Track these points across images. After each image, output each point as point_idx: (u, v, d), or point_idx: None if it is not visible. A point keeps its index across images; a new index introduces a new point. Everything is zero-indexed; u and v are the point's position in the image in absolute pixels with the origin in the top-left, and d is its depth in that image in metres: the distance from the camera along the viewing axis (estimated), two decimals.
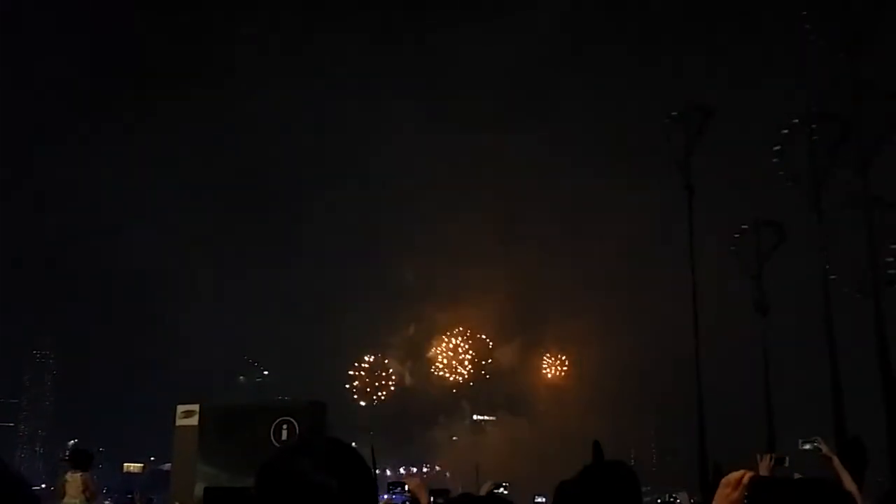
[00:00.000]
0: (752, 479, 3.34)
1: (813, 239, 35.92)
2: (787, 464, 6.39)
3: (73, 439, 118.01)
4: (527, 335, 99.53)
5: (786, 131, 38.26)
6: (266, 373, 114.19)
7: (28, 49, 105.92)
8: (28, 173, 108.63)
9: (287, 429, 14.60)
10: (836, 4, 35.04)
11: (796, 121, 37.79)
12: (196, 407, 15.50)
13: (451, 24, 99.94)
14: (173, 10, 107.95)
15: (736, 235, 43.36)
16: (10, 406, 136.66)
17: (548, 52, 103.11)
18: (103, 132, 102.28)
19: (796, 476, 3.59)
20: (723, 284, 54.40)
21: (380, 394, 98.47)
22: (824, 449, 6.87)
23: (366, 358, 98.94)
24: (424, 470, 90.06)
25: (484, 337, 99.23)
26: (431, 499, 5.05)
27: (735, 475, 3.43)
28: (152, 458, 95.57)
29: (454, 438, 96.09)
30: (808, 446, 6.88)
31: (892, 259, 33.76)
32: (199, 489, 14.69)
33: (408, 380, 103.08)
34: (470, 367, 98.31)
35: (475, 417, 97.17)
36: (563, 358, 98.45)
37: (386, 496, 11.00)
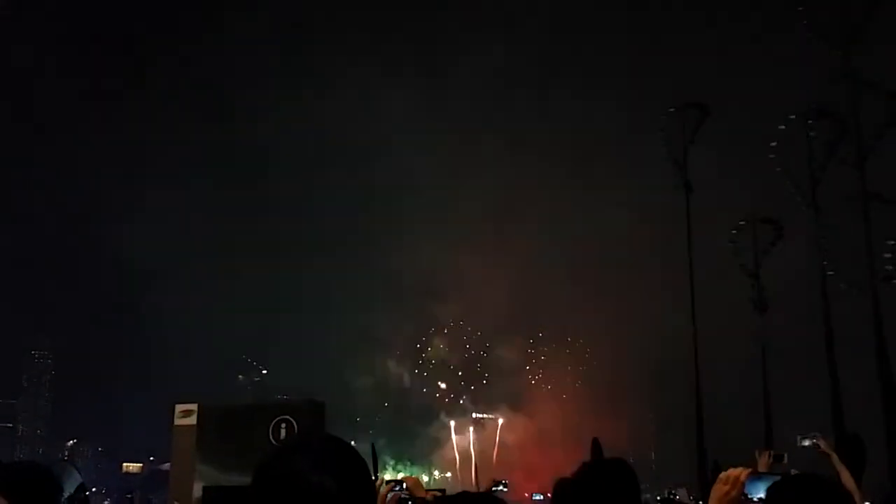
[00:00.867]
0: (748, 476, 3.35)
1: (811, 235, 35.96)
2: (786, 460, 6.40)
3: (72, 439, 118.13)
4: (526, 334, 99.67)
5: (783, 128, 38.27)
6: (265, 372, 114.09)
7: (27, 48, 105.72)
8: (26, 172, 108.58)
9: (286, 428, 14.59)
10: (833, 2, 35.06)
11: (794, 117, 37.80)
12: (195, 406, 15.48)
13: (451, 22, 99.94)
14: (173, 7, 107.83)
15: (734, 232, 43.34)
16: (8, 406, 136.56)
17: (544, 48, 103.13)
18: (100, 132, 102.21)
19: (793, 472, 3.60)
20: (721, 281, 54.39)
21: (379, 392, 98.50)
22: (822, 446, 6.87)
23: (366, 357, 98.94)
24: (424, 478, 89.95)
25: (482, 335, 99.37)
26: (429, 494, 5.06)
27: (732, 472, 3.43)
28: (151, 458, 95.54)
29: (453, 436, 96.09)
30: (806, 443, 6.88)
31: (889, 255, 33.76)
32: (197, 489, 14.68)
33: (407, 378, 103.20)
34: (470, 365, 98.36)
35: (475, 415, 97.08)
36: (564, 356, 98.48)
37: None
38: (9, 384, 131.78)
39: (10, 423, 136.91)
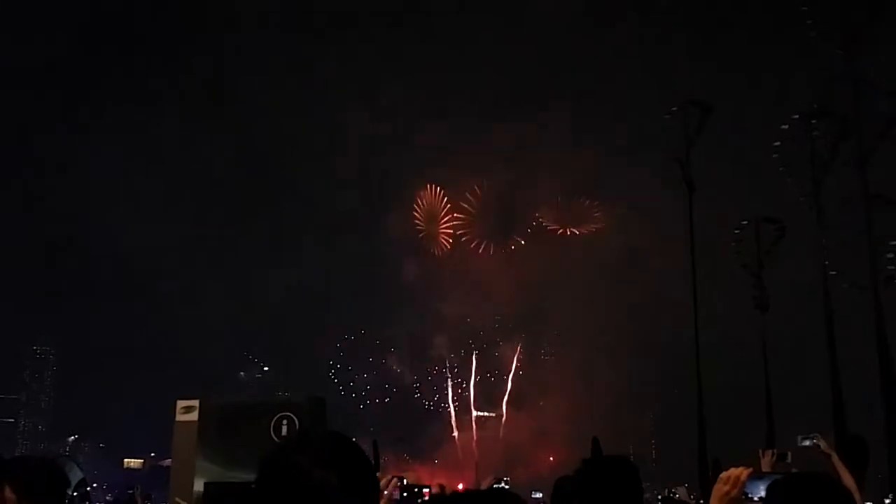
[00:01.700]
0: (749, 476, 3.36)
1: (813, 235, 35.93)
2: (789, 459, 6.41)
3: (74, 435, 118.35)
4: (528, 331, 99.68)
5: (786, 127, 38.21)
6: (266, 369, 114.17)
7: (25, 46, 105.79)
8: (24, 168, 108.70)
9: (287, 424, 14.58)
10: (836, 2, 35.02)
11: (796, 117, 37.74)
12: (196, 402, 15.45)
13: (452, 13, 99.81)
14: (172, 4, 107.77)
15: (736, 231, 43.27)
16: (10, 402, 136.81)
17: (546, 47, 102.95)
18: (98, 126, 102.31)
19: (794, 472, 3.60)
20: (723, 281, 54.39)
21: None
22: (823, 446, 6.88)
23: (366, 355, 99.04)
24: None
25: (484, 334, 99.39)
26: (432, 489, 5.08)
27: (733, 472, 3.44)
28: (152, 454, 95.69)
29: (455, 434, 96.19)
30: (807, 443, 6.89)
31: (891, 255, 33.75)
32: (198, 485, 14.69)
33: (408, 375, 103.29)
34: (472, 363, 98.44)
35: (476, 413, 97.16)
36: (565, 354, 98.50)
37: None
38: (11, 379, 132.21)
39: (11, 418, 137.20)
